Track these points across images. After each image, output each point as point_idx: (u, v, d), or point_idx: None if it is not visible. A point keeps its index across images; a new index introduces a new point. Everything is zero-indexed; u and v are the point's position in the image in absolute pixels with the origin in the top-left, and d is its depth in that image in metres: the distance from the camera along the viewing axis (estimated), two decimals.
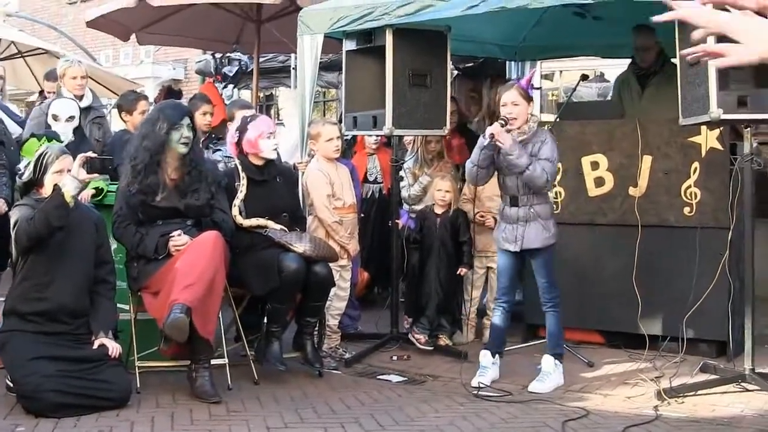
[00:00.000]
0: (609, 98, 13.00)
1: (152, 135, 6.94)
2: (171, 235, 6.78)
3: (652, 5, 6.72)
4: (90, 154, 6.94)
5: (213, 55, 16.34)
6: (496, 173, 7.24)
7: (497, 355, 7.30)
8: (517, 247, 7.07)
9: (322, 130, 8.10)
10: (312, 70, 8.58)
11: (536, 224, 7.05)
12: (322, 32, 8.48)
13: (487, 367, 7.21)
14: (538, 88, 12.03)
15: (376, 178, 10.39)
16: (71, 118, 8.52)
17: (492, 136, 6.84)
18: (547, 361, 7.17)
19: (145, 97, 9.61)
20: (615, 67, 13.72)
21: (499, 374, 7.28)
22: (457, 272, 8.41)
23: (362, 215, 8.98)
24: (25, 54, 15.00)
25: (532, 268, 7.26)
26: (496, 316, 7.29)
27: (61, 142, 8.04)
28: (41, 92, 12.80)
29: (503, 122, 6.90)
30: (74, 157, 6.65)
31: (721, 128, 7.65)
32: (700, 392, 6.80)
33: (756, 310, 7.01)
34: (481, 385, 7.02)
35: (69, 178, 6.35)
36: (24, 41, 14.89)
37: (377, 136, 9.70)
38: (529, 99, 7.13)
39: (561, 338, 7.31)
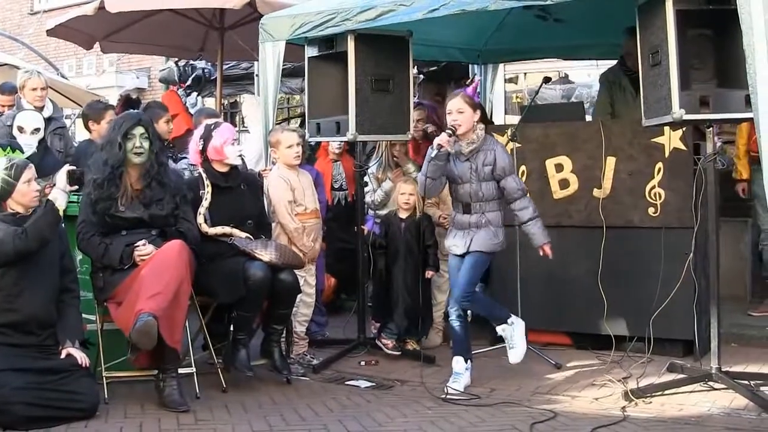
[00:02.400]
0: (574, 99, 13.10)
1: (108, 146, 6.95)
2: (136, 245, 6.76)
3: (614, 5, 6.82)
4: (70, 167, 6.93)
5: (176, 63, 16.28)
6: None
7: (469, 361, 7.30)
8: (464, 248, 7.10)
9: (281, 137, 8.07)
10: (275, 77, 8.56)
11: (486, 230, 7.08)
12: (283, 39, 8.46)
13: (461, 374, 7.20)
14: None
15: (341, 185, 10.38)
16: (36, 130, 8.51)
17: (440, 146, 6.86)
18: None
19: (113, 107, 9.58)
20: (578, 69, 13.81)
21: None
22: (425, 275, 8.38)
23: (325, 227, 8.88)
24: None
25: (492, 272, 7.25)
26: (455, 323, 7.26)
27: (23, 153, 8.02)
28: None
29: (451, 131, 6.92)
30: (38, 170, 6.66)
31: (684, 128, 7.69)
32: (667, 392, 6.86)
33: (722, 309, 7.05)
34: (455, 392, 7.03)
35: (59, 192, 6.44)
36: None
37: (340, 142, 9.69)
38: (475, 106, 7.14)
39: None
